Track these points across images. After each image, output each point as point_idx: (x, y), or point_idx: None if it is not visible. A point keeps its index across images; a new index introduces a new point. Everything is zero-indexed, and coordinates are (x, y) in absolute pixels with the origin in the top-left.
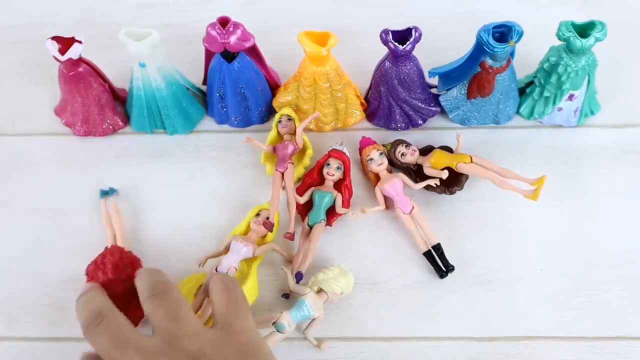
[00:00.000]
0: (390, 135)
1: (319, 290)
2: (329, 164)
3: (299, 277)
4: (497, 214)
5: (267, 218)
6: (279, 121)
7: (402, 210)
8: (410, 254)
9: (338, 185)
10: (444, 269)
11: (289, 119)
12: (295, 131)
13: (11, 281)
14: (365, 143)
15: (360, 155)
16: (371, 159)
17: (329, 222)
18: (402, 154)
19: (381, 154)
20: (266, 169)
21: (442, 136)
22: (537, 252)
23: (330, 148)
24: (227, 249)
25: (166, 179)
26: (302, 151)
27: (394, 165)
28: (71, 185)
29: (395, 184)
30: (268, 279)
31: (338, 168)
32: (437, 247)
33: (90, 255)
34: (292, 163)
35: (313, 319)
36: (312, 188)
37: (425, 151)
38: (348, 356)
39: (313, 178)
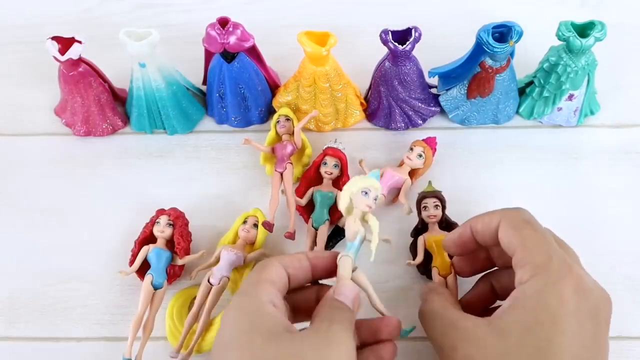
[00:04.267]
0: (390, 136)
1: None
2: (325, 163)
3: None
4: None
5: (246, 222)
6: (277, 122)
7: None
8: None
9: (336, 183)
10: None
11: (287, 119)
12: (293, 131)
13: (11, 281)
14: (430, 141)
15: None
16: (411, 150)
17: (332, 221)
18: (425, 207)
19: (420, 155)
20: (266, 169)
21: (442, 136)
22: None
23: (325, 146)
24: (217, 260)
25: (166, 179)
26: (301, 151)
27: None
28: (71, 185)
29: (394, 177)
30: None
31: (335, 166)
32: (338, 234)
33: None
34: (291, 163)
35: (364, 240)
36: (312, 188)
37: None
38: None
39: (311, 178)
